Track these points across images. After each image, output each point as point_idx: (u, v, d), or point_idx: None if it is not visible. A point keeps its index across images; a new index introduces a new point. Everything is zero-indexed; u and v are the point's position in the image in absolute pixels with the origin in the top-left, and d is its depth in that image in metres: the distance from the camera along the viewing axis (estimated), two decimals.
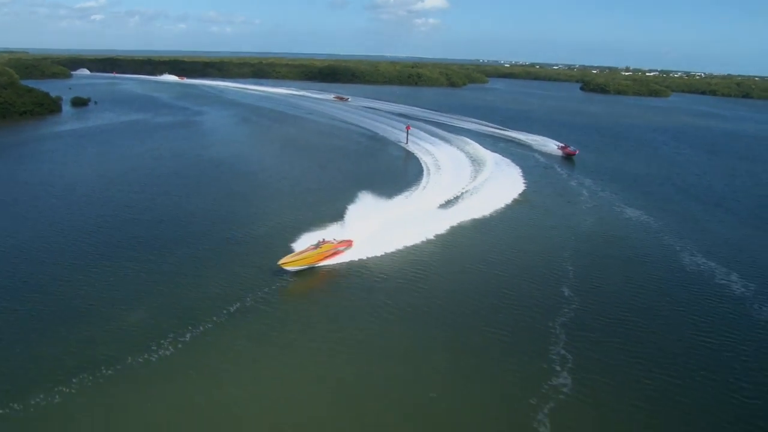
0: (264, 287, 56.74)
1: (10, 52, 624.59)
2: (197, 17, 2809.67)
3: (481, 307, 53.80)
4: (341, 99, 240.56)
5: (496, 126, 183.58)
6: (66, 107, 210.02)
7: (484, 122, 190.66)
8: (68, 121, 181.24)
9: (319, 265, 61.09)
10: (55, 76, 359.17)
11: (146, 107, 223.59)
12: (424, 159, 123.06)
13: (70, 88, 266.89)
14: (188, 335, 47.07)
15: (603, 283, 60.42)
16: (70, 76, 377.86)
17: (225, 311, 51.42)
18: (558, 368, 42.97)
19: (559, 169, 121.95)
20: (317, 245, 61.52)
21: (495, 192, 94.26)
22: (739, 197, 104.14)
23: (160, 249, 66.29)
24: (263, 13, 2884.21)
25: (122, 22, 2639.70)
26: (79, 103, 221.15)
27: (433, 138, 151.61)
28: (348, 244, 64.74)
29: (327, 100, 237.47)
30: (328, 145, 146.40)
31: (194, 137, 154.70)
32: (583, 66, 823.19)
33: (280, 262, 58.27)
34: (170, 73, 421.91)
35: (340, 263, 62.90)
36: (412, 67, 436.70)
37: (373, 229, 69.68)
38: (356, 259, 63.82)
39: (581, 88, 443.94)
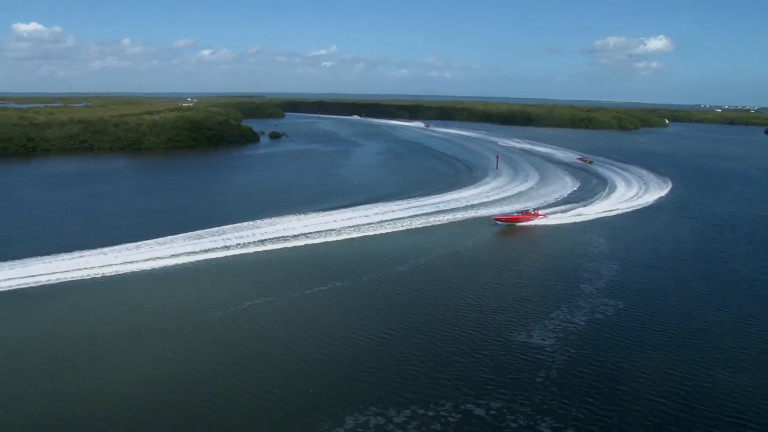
0: None
1: (250, 96, 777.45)
2: (417, 63, 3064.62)
3: None
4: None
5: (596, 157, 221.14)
6: (264, 139, 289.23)
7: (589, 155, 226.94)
8: (261, 148, 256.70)
9: None
10: (271, 116, 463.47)
11: (323, 140, 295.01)
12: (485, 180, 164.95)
13: (276, 126, 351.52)
14: None
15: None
16: (282, 116, 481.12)
17: None
18: None
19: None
20: None
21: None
22: None
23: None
24: (481, 58, 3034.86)
25: (348, 68, 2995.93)
26: (275, 136, 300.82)
27: (526, 166, 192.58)
28: None
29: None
30: (426, 168, 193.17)
31: (336, 160, 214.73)
32: None
33: None
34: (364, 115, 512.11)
35: None
36: (587, 111, 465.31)
37: None
38: None
39: (765, 132, 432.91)
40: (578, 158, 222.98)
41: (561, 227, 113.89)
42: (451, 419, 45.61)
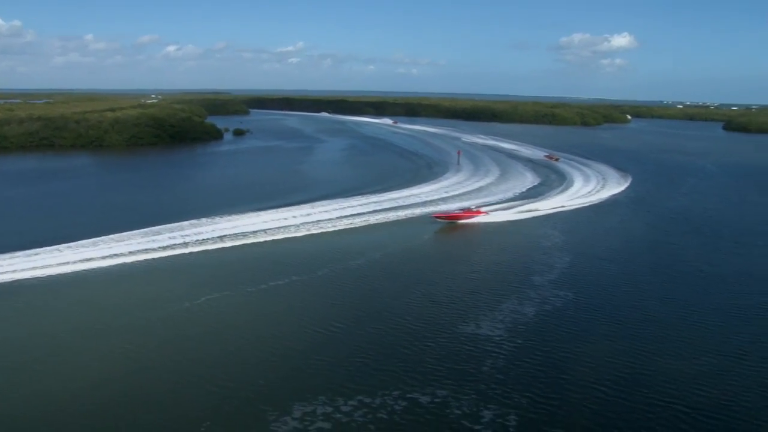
0: None
1: (215, 92, 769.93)
2: (385, 59, 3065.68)
3: None
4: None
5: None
6: (228, 136, 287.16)
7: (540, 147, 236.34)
8: (224, 145, 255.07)
9: None
10: (236, 113, 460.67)
11: (287, 137, 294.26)
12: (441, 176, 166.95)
13: (240, 123, 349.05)
14: None
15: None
16: (247, 112, 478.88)
17: None
18: None
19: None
20: None
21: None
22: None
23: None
24: (448, 54, 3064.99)
25: (316, 65, 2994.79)
26: (239, 133, 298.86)
27: (487, 161, 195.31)
28: None
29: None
30: (387, 164, 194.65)
31: (299, 156, 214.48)
32: None
33: None
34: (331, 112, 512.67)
35: None
36: (551, 108, 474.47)
37: None
38: None
39: (723, 128, 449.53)
40: (545, 155, 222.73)
41: (516, 222, 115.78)
42: (396, 407, 46.73)
